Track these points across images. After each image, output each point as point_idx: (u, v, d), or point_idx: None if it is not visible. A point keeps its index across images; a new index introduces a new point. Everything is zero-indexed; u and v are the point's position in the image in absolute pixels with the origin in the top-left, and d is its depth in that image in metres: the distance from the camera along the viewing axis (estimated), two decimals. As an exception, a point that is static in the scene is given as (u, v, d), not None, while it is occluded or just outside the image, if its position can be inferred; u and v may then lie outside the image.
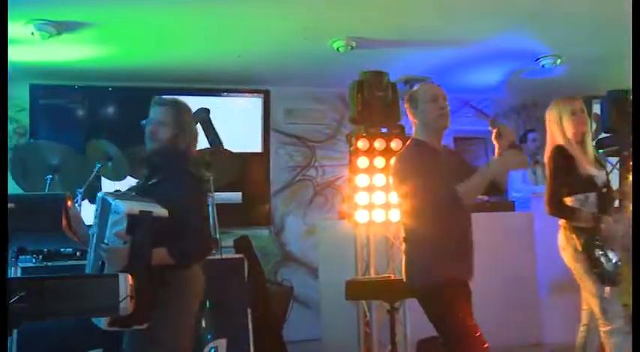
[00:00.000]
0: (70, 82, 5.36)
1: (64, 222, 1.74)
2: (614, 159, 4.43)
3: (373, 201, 4.56)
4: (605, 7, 4.27)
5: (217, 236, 4.14)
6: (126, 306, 1.96)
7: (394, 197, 4.61)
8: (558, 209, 3.27)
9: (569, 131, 3.32)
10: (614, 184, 3.50)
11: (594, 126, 6.76)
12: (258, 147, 5.89)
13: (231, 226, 5.14)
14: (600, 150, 5.80)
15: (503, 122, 2.91)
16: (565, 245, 3.31)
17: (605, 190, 3.31)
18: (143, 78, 5.41)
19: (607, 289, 3.18)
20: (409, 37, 4.77)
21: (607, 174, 3.35)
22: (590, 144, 3.36)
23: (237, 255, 4.15)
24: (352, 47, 4.76)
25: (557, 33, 4.79)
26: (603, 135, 6.03)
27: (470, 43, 4.93)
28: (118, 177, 4.40)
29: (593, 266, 3.19)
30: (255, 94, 5.92)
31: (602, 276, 3.18)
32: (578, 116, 3.35)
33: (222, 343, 3.79)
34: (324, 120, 6.28)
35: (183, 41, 4.70)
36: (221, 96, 5.85)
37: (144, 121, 2.68)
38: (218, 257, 4.03)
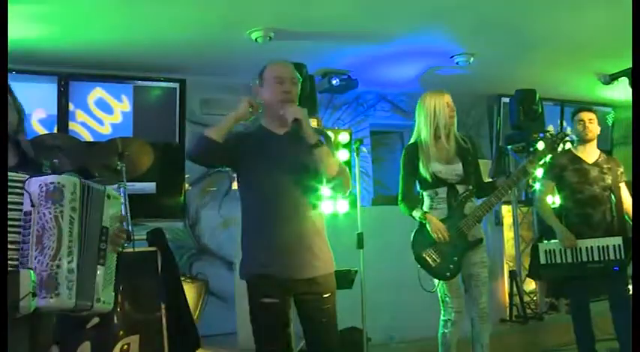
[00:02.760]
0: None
1: None
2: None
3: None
4: (515, 11, 4.43)
5: (130, 228, 4.01)
6: (27, 305, 1.85)
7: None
8: (403, 205, 3.45)
9: (441, 124, 3.37)
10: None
11: (501, 123, 7.08)
12: (173, 137, 5.74)
13: (145, 218, 5.00)
14: (509, 146, 6.09)
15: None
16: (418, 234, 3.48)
17: (459, 184, 3.38)
18: (52, 62, 5.14)
19: (437, 283, 3.38)
20: (328, 31, 4.78)
21: (465, 167, 3.40)
22: (453, 138, 3.39)
23: (150, 248, 4.03)
24: (270, 38, 4.73)
25: (471, 32, 4.94)
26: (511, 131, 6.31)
27: (387, 38, 5.01)
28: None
29: (424, 265, 3.39)
30: (171, 83, 5.77)
31: (433, 273, 3.37)
32: (451, 111, 3.38)
33: (134, 339, 3.68)
34: (241, 112, 6.19)
35: (96, 25, 4.50)
36: (135, 84, 5.66)
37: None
38: (130, 250, 3.89)
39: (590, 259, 3.81)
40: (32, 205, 1.97)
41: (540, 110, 6.10)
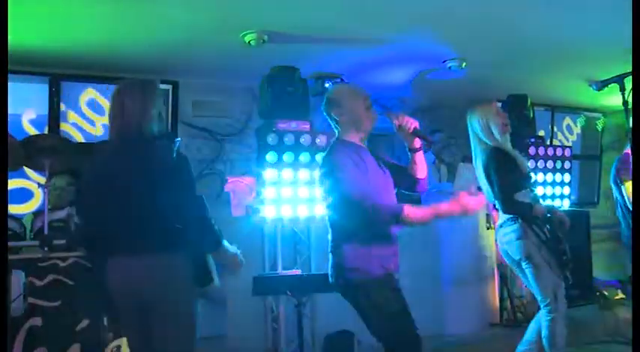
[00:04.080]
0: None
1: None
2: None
3: (281, 196, 4.57)
4: (507, 16, 4.45)
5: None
6: (19, 306, 1.84)
7: (302, 192, 4.64)
8: (514, 206, 3.43)
9: (498, 132, 3.50)
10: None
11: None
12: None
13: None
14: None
15: (398, 112, 3.01)
16: (525, 235, 3.42)
17: None
18: (43, 63, 5.11)
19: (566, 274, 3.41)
20: (321, 34, 4.78)
21: None
22: (509, 143, 3.58)
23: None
24: (264, 41, 4.71)
25: (463, 37, 4.96)
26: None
27: (380, 43, 5.01)
28: (11, 166, 4.17)
29: (562, 254, 3.39)
30: (164, 84, 5.76)
31: (568, 262, 3.40)
32: (503, 118, 3.53)
33: (124, 342, 3.66)
34: (233, 114, 6.19)
35: (88, 26, 4.46)
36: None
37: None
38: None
39: None
40: None
41: (532, 115, 6.13)
